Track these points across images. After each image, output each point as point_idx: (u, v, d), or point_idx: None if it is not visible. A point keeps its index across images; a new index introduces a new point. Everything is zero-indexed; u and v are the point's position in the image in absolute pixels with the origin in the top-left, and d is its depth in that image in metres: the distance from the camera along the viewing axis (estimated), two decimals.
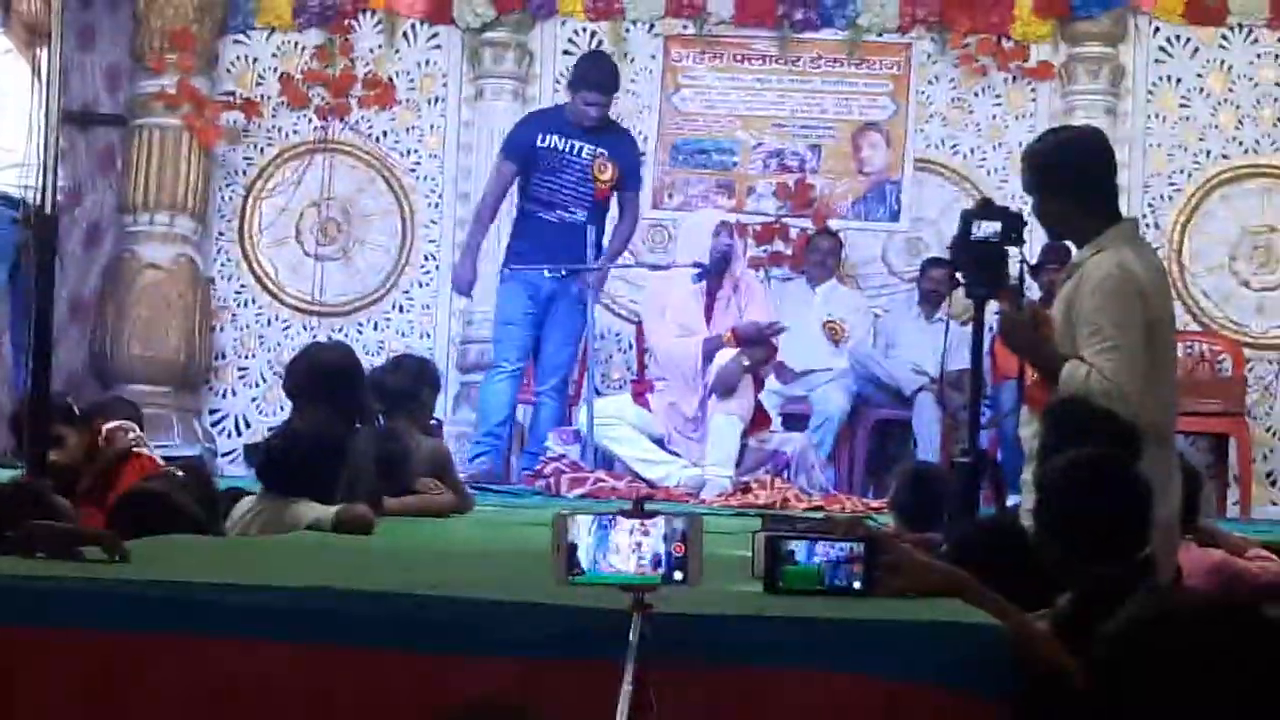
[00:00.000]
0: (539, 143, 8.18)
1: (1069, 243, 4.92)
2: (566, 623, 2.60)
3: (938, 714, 2.54)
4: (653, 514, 2.55)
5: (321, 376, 5.81)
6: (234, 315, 9.46)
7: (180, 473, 4.54)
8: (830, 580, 2.84)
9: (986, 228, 4.85)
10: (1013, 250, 4.94)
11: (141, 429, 6.04)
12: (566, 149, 8.18)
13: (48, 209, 4.92)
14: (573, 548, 2.55)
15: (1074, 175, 4.62)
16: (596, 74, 8.26)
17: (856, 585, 2.82)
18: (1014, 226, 4.88)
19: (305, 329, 9.41)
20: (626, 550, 2.56)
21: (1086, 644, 2.63)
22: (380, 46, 9.44)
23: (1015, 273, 4.98)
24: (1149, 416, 4.35)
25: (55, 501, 3.74)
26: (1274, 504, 9.01)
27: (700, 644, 2.59)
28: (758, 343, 7.99)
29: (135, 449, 5.71)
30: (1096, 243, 4.58)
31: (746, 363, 7.92)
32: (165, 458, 6.03)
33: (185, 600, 2.69)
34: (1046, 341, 4.60)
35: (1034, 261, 7.07)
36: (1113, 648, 1.66)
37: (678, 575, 2.56)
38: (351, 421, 5.65)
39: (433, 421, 6.83)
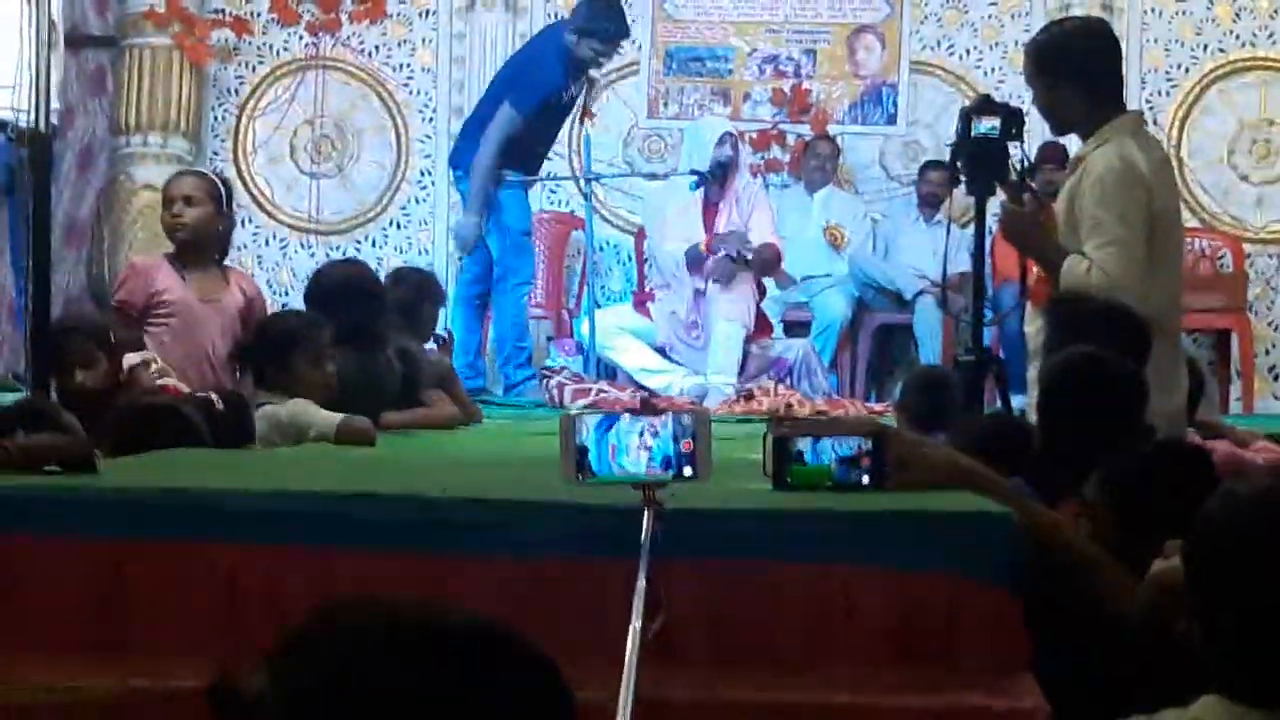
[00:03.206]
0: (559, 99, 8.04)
1: (1073, 135, 4.88)
2: (577, 521, 2.60)
3: (950, 602, 2.54)
4: (660, 411, 2.55)
5: (325, 294, 5.80)
6: None
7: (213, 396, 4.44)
8: (839, 477, 2.83)
9: (986, 123, 4.82)
10: (1012, 148, 4.91)
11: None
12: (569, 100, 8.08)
13: (42, 128, 4.88)
14: (582, 449, 2.53)
15: (1079, 64, 4.57)
16: (618, 28, 8.08)
17: (865, 480, 2.82)
18: (1014, 121, 4.86)
19: (303, 247, 9.39)
20: (636, 450, 2.55)
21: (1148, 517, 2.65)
22: None
23: (1015, 170, 4.96)
24: (1151, 311, 4.32)
25: (62, 419, 3.69)
26: (1276, 398, 9.02)
27: (711, 540, 2.59)
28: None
29: (161, 382, 5.66)
30: (1100, 135, 4.54)
31: (736, 255, 7.89)
32: None
33: (186, 505, 2.69)
34: (1048, 235, 4.58)
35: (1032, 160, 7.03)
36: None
37: (687, 471, 2.55)
38: (361, 337, 5.62)
39: (444, 334, 6.82)
